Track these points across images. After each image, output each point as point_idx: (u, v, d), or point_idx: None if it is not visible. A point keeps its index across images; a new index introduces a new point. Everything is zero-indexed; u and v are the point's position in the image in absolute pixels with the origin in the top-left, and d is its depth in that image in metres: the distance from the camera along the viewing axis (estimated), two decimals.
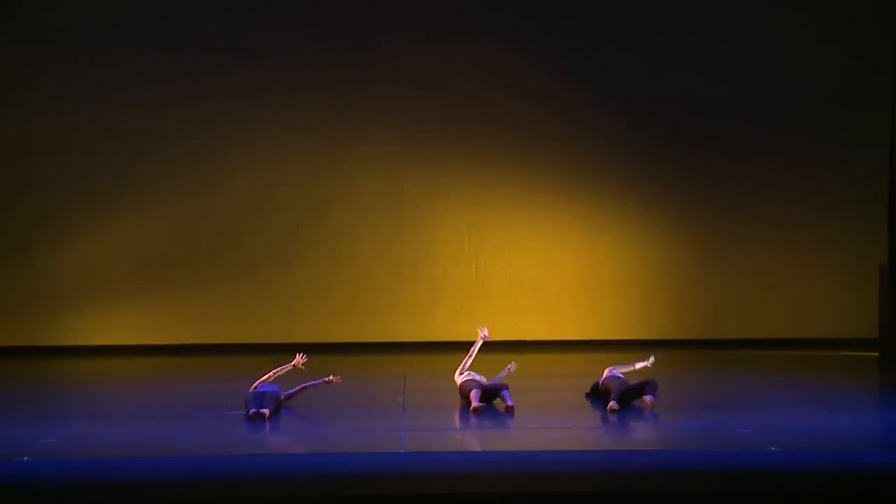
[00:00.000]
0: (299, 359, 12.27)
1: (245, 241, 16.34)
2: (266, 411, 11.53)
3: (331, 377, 12.30)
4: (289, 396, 12.23)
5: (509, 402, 11.98)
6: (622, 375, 12.70)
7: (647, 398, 12.22)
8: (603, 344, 16.33)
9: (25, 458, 10.39)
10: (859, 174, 16.44)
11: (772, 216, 16.54)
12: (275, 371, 12.23)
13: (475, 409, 11.98)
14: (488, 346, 16.21)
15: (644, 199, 16.56)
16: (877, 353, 14.90)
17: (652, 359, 13.07)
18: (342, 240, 16.50)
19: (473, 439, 11.45)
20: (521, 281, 16.53)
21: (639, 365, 13.00)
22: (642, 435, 11.67)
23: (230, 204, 16.34)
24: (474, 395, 12.12)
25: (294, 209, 16.43)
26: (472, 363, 12.58)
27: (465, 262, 16.54)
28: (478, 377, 12.49)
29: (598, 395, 12.68)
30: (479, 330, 12.84)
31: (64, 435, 11.30)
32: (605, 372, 12.86)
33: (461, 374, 12.57)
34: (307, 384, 12.31)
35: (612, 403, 12.10)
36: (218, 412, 12.15)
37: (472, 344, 12.97)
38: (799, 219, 16.53)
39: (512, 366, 12.84)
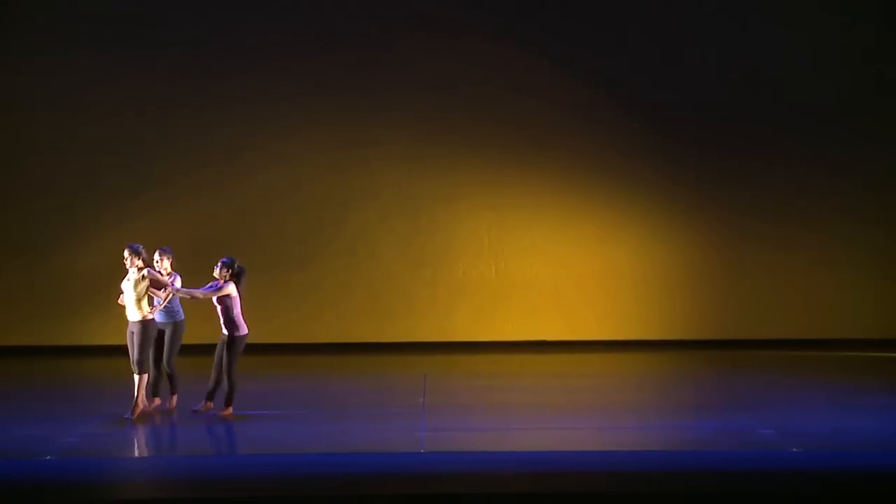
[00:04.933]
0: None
1: (263, 241, 16.37)
2: None
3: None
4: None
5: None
6: None
7: None
8: (622, 344, 16.32)
9: (48, 458, 10.44)
10: (882, 176, 16.39)
11: (794, 217, 16.49)
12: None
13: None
14: (508, 346, 16.28)
15: (664, 200, 16.53)
16: None
17: None
18: (361, 240, 16.51)
19: (493, 440, 11.43)
20: (541, 281, 16.51)
21: None
22: (663, 436, 11.64)
23: (248, 204, 16.37)
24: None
25: (313, 209, 16.46)
26: None
27: (485, 263, 16.53)
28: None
29: None
30: None
31: (84, 434, 11.34)
32: None
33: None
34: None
35: None
36: (239, 411, 12.17)
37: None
38: (821, 220, 16.47)
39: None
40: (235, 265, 12.01)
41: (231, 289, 11.94)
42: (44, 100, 16.20)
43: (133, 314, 11.80)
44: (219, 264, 12.02)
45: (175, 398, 12.22)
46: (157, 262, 12.19)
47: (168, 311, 12.13)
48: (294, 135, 16.38)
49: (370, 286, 16.47)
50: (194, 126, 16.30)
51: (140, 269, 11.74)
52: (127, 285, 11.82)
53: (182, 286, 12.17)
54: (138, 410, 11.85)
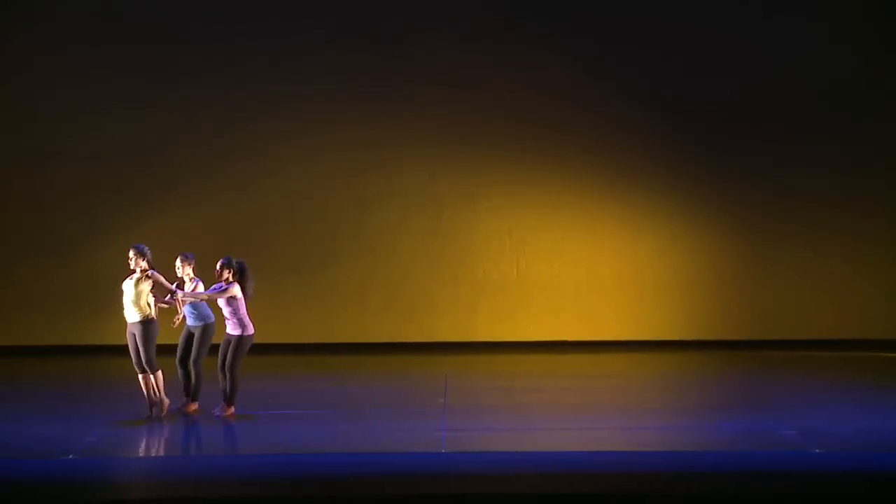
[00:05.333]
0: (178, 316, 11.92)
1: (284, 240, 16.40)
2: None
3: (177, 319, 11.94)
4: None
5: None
6: None
7: None
8: (643, 344, 16.28)
9: (70, 457, 10.48)
10: None
11: (817, 218, 16.43)
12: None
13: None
14: (529, 347, 16.27)
15: (686, 200, 16.49)
16: None
17: None
18: (382, 240, 16.52)
19: (514, 440, 11.42)
20: (562, 282, 16.49)
21: None
22: (683, 436, 11.61)
23: (269, 204, 16.40)
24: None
25: (333, 209, 16.47)
26: None
27: (506, 263, 16.52)
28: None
29: None
30: None
31: (105, 434, 11.38)
32: None
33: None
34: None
35: None
36: (257, 411, 12.19)
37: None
38: (844, 220, 16.40)
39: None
40: (234, 263, 11.96)
41: (236, 289, 11.88)
42: (65, 99, 16.26)
43: (132, 315, 11.76)
44: (219, 267, 11.93)
45: (190, 403, 12.19)
46: (178, 268, 12.14)
47: (199, 314, 12.10)
48: (315, 135, 16.40)
49: (391, 286, 16.48)
50: (216, 126, 16.33)
51: (143, 270, 11.73)
52: (128, 284, 11.81)
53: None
54: (166, 406, 11.88)
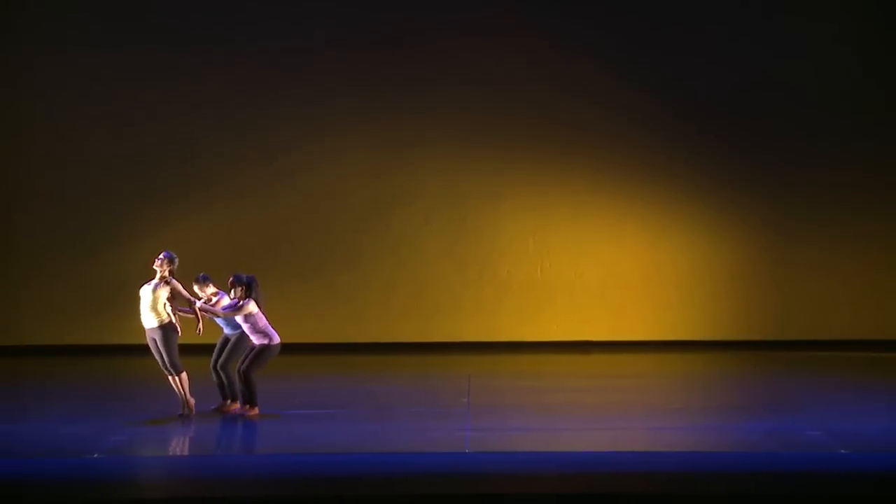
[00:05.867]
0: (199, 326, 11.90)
1: (309, 240, 16.43)
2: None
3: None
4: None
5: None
6: None
7: None
8: (668, 345, 16.24)
9: (95, 456, 10.51)
10: None
11: (839, 218, 16.36)
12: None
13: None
14: (553, 347, 16.24)
15: (709, 201, 16.44)
16: None
17: None
18: (406, 240, 16.53)
19: (538, 440, 11.40)
20: (586, 282, 16.46)
21: None
22: (708, 437, 11.56)
23: (293, 204, 16.43)
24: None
25: (357, 209, 16.49)
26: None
27: (530, 263, 16.50)
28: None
29: None
30: None
31: (131, 433, 11.41)
32: None
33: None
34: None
35: None
36: (283, 410, 12.21)
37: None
38: (868, 221, 16.33)
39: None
40: (244, 279, 11.90)
41: (252, 306, 11.79)
42: (89, 103, 16.32)
43: (149, 320, 11.77)
44: (229, 284, 11.83)
45: (230, 402, 12.20)
46: (198, 293, 12.11)
47: (235, 324, 12.04)
48: (339, 136, 16.42)
49: (415, 286, 16.48)
50: (240, 127, 16.38)
51: (163, 277, 11.74)
52: (146, 290, 11.81)
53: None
54: (192, 406, 11.91)
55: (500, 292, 16.46)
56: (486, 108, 16.37)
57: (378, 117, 16.42)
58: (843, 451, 10.54)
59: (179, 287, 11.77)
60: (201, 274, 12.22)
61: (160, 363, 11.85)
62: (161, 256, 11.80)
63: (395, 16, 16.38)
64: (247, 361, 11.88)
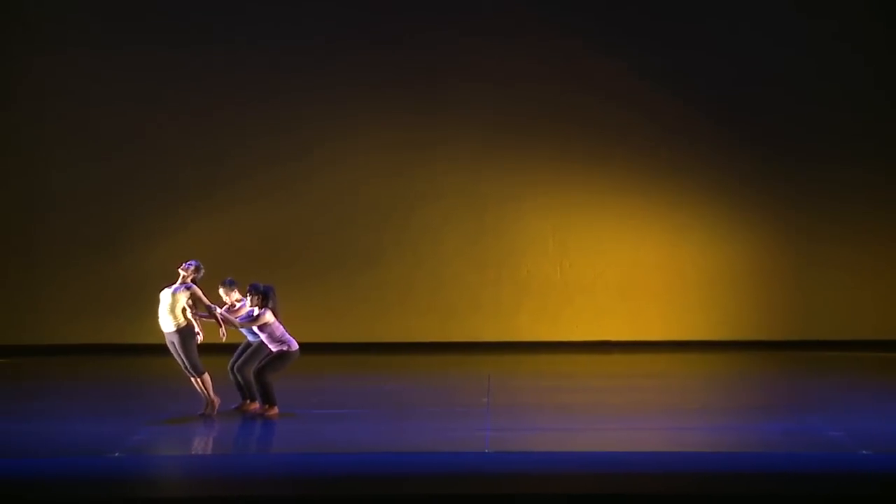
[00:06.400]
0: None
1: (328, 240, 16.46)
2: None
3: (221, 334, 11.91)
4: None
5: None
6: None
7: None
8: (688, 345, 16.20)
9: (116, 454, 10.55)
10: None
11: (862, 217, 16.29)
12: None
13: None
14: (573, 347, 16.21)
15: (730, 200, 16.40)
16: None
17: None
18: (425, 239, 16.53)
19: (558, 440, 11.39)
20: (606, 282, 16.44)
21: None
22: (729, 437, 11.53)
23: (314, 203, 16.46)
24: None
25: (377, 209, 16.51)
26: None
27: (550, 263, 16.49)
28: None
29: None
30: None
31: (152, 432, 11.45)
32: None
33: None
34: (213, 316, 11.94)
35: None
36: (303, 410, 12.23)
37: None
38: (890, 220, 16.25)
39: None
40: (261, 288, 11.91)
41: (268, 316, 11.79)
42: (113, 103, 16.37)
43: (167, 324, 11.80)
44: (248, 293, 11.82)
45: (249, 402, 12.23)
46: (224, 297, 12.13)
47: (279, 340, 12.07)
48: (360, 135, 16.45)
49: (434, 286, 16.49)
50: (262, 126, 16.42)
51: (184, 280, 11.77)
52: (165, 293, 11.82)
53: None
54: (216, 406, 11.94)
55: (519, 292, 16.46)
56: (507, 109, 16.36)
57: (398, 117, 16.43)
58: (864, 451, 10.49)
59: (200, 293, 11.80)
60: (228, 278, 12.25)
61: (181, 366, 11.89)
62: (189, 263, 11.84)
63: (417, 17, 16.39)
64: (262, 364, 11.89)
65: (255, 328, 11.85)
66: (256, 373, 11.90)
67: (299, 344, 12.10)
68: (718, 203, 16.42)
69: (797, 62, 16.21)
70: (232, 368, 12.16)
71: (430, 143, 16.43)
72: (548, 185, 16.44)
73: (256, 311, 11.81)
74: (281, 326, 11.89)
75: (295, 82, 16.38)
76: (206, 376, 11.92)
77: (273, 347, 11.89)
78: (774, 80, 16.23)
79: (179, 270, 11.84)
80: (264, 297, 11.82)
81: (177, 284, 11.80)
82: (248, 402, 12.17)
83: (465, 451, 10.70)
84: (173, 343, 11.83)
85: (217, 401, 11.97)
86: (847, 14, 16.15)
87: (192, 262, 11.86)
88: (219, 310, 11.87)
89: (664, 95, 16.28)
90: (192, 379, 11.92)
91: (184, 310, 11.73)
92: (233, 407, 12.14)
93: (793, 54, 16.20)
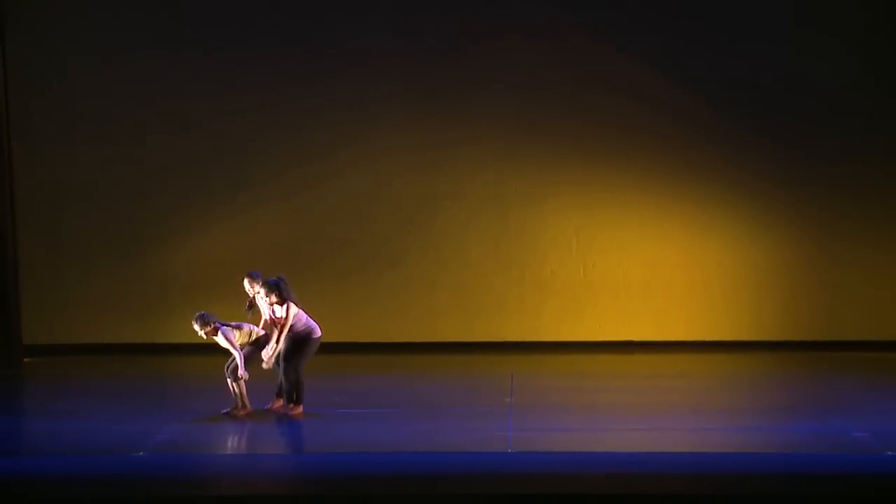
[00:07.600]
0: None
1: (353, 240, 16.48)
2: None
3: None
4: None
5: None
6: None
7: None
8: (712, 345, 16.15)
9: (141, 453, 10.61)
10: None
11: (885, 217, 16.20)
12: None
13: None
14: (596, 347, 16.19)
15: (754, 200, 16.33)
16: None
17: None
18: (449, 240, 16.54)
19: (581, 440, 11.38)
20: (630, 282, 16.41)
21: None
22: (753, 438, 11.50)
23: (339, 203, 16.48)
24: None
25: (401, 209, 16.52)
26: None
27: (573, 263, 16.47)
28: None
29: None
30: None
31: (176, 431, 11.50)
32: None
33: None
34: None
35: None
36: (327, 410, 12.26)
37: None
38: None
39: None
40: (272, 282, 11.84)
41: (293, 309, 11.83)
42: (140, 103, 16.42)
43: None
44: (266, 292, 11.79)
45: (280, 401, 12.23)
46: (247, 289, 12.09)
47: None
48: (384, 136, 16.46)
49: (457, 286, 16.49)
50: (287, 128, 16.44)
51: (208, 332, 11.78)
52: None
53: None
54: (249, 410, 12.01)
55: (543, 292, 16.44)
56: (531, 109, 16.33)
57: (421, 118, 16.43)
58: (889, 452, 10.45)
59: (230, 334, 11.81)
60: (255, 271, 12.26)
61: (226, 365, 11.90)
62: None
63: (441, 18, 16.39)
64: (295, 358, 11.90)
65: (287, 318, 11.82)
66: (295, 371, 11.88)
67: (324, 344, 12.12)
68: (744, 203, 16.35)
69: (821, 61, 16.12)
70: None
71: (453, 143, 16.43)
72: (571, 186, 16.42)
73: (281, 309, 11.83)
74: (304, 313, 11.95)
75: (319, 85, 16.40)
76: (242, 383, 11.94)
77: (299, 333, 11.86)
78: (799, 82, 16.14)
79: (196, 329, 11.77)
80: (279, 291, 11.82)
81: (208, 329, 11.75)
82: (276, 400, 12.18)
83: (488, 451, 10.71)
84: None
85: (250, 409, 11.98)
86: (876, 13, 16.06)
87: (201, 317, 11.82)
88: (265, 356, 11.83)
89: (689, 95, 16.22)
90: (229, 381, 11.93)
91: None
92: (265, 407, 12.15)
93: (821, 61, 16.10)
